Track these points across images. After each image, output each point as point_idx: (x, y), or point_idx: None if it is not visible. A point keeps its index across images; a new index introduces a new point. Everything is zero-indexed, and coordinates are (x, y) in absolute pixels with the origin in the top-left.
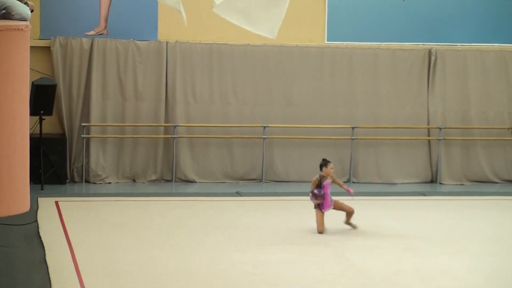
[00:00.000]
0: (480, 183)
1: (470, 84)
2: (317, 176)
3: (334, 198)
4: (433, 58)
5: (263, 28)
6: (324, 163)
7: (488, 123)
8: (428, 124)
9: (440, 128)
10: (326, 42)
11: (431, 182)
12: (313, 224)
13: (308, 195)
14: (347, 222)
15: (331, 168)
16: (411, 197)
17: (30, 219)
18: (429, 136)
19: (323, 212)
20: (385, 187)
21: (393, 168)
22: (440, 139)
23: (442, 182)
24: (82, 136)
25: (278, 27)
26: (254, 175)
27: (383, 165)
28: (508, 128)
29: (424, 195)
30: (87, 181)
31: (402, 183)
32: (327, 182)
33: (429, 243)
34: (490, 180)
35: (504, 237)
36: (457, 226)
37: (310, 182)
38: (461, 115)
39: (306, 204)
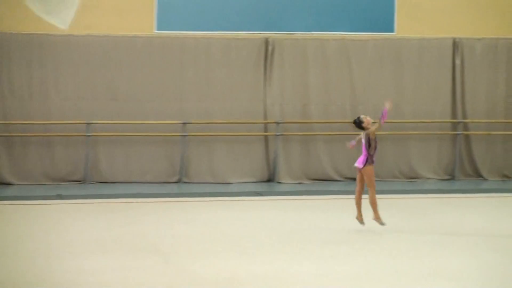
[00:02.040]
0: (320, 182)
1: (310, 76)
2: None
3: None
4: (270, 47)
5: (58, 17)
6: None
7: (329, 117)
8: (265, 119)
9: (278, 123)
10: (155, 31)
11: (269, 181)
12: (145, 229)
13: None
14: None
15: (367, 118)
16: (247, 197)
17: None
18: (266, 131)
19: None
20: (219, 187)
21: (228, 167)
22: (278, 135)
23: (280, 181)
24: None
25: (70, 18)
26: (77, 176)
27: (217, 164)
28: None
29: (261, 195)
30: None
31: (238, 183)
32: (362, 137)
33: (266, 246)
34: (332, 178)
35: (345, 240)
36: (295, 227)
37: (139, 182)
38: (300, 109)
39: (133, 206)
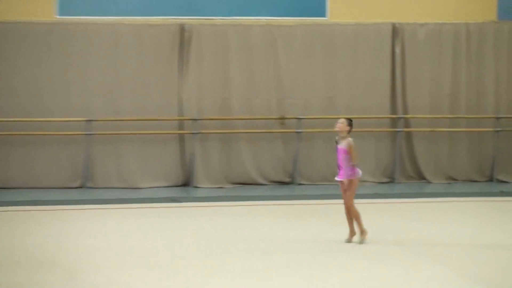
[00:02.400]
0: (243, 186)
1: (231, 66)
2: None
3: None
4: (186, 35)
5: None
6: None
7: (252, 113)
8: (180, 115)
9: (195, 120)
10: (56, 17)
11: (185, 186)
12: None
13: None
14: (351, 231)
15: (341, 123)
16: (161, 204)
17: None
18: (181, 129)
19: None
20: (128, 193)
21: (138, 170)
22: (194, 133)
23: (197, 185)
24: None
25: None
26: None
27: (126, 166)
28: (278, 119)
29: (176, 201)
30: None
31: (150, 188)
32: (341, 146)
33: (181, 260)
34: (256, 181)
35: (274, 250)
36: (215, 238)
37: (37, 187)
38: (220, 104)
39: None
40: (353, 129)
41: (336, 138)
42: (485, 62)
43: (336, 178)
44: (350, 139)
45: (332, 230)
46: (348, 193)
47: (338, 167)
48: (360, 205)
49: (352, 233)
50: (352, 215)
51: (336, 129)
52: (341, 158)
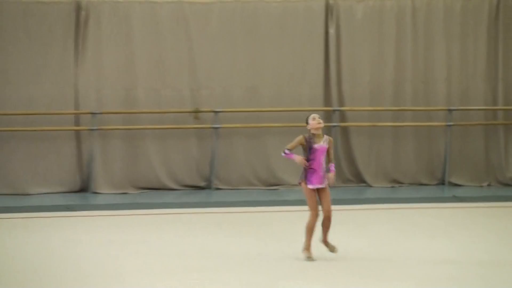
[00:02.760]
0: (151, 191)
1: (136, 51)
2: (305, 134)
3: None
4: (83, 13)
5: None
6: (309, 115)
7: (161, 106)
8: (77, 109)
9: (94, 114)
10: None
11: (82, 192)
12: None
13: None
14: (324, 239)
15: (318, 122)
16: (53, 213)
17: None
18: (77, 125)
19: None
20: (15, 200)
21: (27, 173)
22: (93, 129)
23: (97, 191)
24: None
25: None
26: None
27: (12, 169)
28: (192, 112)
29: (72, 209)
30: None
31: (40, 194)
32: (320, 145)
33: (78, 278)
34: (166, 186)
35: (190, 266)
36: (117, 252)
37: None
38: (124, 95)
39: None
40: (281, 124)
41: (307, 136)
42: (434, 44)
43: (316, 186)
44: (326, 135)
45: (260, 243)
46: (329, 198)
47: (312, 171)
48: (287, 213)
49: (326, 243)
50: (307, 226)
51: (318, 126)
52: (321, 159)
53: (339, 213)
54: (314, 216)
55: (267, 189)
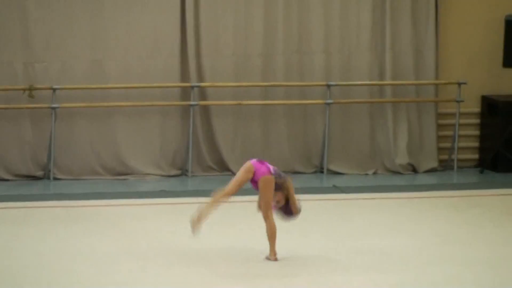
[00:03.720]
0: None
1: None
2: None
3: None
4: None
5: None
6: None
7: None
8: None
9: None
10: None
11: None
12: None
13: None
14: None
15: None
16: None
17: None
18: None
19: None
20: None
21: None
22: None
23: None
24: None
25: None
26: None
27: None
28: (25, 90)
29: None
30: None
31: None
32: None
33: None
34: None
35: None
36: None
37: None
38: None
39: None
40: (130, 104)
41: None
42: (310, 9)
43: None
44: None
45: (108, 242)
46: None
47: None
48: (136, 207)
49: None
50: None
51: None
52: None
53: (195, 206)
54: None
55: (115, 179)
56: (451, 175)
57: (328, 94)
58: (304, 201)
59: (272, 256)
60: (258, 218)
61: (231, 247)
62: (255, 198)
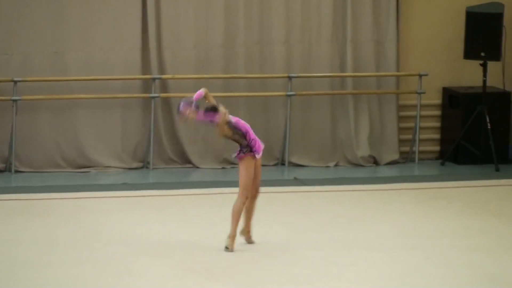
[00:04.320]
0: None
1: None
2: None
3: None
4: None
5: None
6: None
7: None
8: None
9: None
10: None
11: None
12: None
13: None
14: (248, 228)
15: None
16: None
17: None
18: None
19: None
20: None
21: None
22: None
23: None
24: None
25: None
26: None
27: None
28: None
29: None
30: None
31: None
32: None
33: None
34: None
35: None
36: None
37: None
38: None
39: None
40: (91, 96)
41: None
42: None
43: (260, 154)
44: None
45: (70, 236)
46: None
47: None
48: (97, 200)
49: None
50: (236, 210)
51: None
52: (245, 125)
53: (157, 199)
54: (246, 197)
55: (76, 172)
56: (412, 167)
57: (289, 86)
58: (265, 193)
59: (230, 240)
60: (224, 211)
61: (192, 239)
62: (220, 190)
